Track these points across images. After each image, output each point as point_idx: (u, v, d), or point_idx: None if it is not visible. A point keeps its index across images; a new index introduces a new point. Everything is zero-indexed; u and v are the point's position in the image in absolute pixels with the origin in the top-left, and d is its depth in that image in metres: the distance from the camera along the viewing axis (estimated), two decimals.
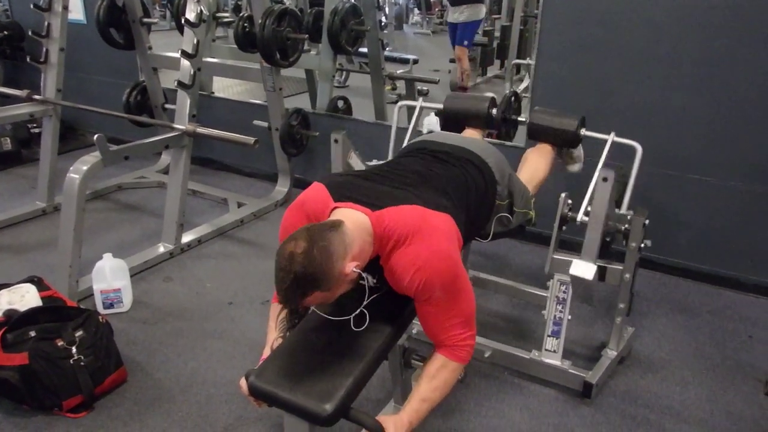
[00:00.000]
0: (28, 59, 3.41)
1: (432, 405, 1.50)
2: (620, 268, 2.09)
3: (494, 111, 2.34)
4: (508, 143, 2.77)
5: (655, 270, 2.92)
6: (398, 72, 4.87)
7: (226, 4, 6.23)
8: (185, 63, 2.95)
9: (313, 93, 4.41)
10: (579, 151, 2.33)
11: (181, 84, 2.91)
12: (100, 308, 2.51)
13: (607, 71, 2.77)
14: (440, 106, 2.43)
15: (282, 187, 3.74)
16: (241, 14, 3.62)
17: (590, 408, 2.08)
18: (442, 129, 2.46)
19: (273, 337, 1.58)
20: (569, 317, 2.09)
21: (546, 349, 2.15)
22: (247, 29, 3.50)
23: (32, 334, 1.99)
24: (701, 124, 2.66)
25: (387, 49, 5.35)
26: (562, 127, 2.24)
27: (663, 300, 2.74)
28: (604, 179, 1.93)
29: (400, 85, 4.63)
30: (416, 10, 8.99)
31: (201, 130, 2.86)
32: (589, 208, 2.00)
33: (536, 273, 2.75)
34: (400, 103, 2.69)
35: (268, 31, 3.07)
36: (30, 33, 3.35)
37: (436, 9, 8.65)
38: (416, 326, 2.14)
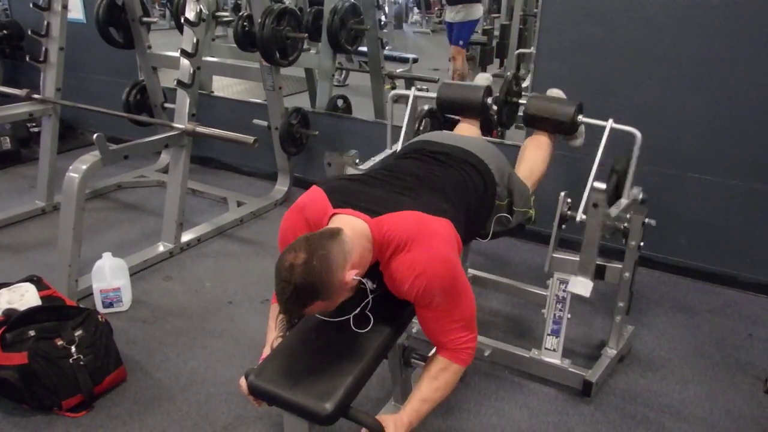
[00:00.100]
0: (27, 58, 3.41)
1: (432, 405, 1.50)
2: (620, 266, 2.09)
3: (489, 100, 2.29)
4: (507, 142, 2.77)
5: (654, 268, 2.92)
6: (398, 71, 4.87)
7: (226, 3, 6.24)
8: (185, 62, 2.95)
9: (312, 92, 4.40)
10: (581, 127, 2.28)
11: (180, 83, 2.91)
12: (99, 307, 2.51)
13: (607, 70, 2.76)
14: (434, 95, 2.40)
15: (281, 186, 3.73)
16: (240, 13, 3.62)
17: (590, 406, 2.08)
18: (437, 117, 2.41)
19: (273, 336, 1.59)
20: (569, 316, 2.09)
21: (546, 348, 2.15)
22: (247, 28, 3.51)
23: (32, 333, 1.99)
24: (701, 123, 2.66)
25: (386, 48, 5.35)
26: (559, 116, 2.17)
27: (663, 298, 2.73)
28: (595, 205, 1.88)
29: (400, 84, 4.63)
30: (416, 9, 9.00)
31: (200, 129, 2.86)
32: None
33: (536, 272, 2.75)
34: (392, 93, 2.65)
35: (267, 30, 3.07)
36: (29, 32, 3.35)
37: (436, 8, 8.66)
38: (416, 325, 2.13)
